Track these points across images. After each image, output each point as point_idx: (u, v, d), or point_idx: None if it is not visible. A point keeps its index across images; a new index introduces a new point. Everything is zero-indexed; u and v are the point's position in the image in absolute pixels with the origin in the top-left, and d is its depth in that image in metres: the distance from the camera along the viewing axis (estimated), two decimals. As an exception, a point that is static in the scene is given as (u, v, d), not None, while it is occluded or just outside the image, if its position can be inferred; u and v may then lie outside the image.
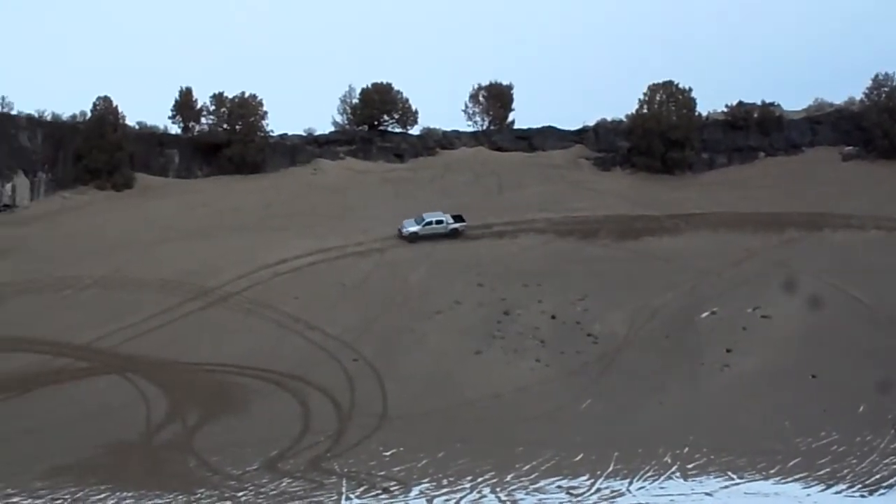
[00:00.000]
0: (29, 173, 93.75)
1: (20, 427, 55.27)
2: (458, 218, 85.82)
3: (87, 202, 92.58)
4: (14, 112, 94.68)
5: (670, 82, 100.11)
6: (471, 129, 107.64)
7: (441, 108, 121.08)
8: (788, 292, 73.50)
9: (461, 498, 49.76)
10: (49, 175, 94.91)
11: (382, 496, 50.08)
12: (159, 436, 54.79)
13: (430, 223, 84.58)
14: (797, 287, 73.98)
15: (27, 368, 64.33)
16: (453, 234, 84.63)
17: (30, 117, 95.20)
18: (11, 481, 42.06)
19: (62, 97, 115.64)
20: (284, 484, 50.31)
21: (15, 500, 37.27)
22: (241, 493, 39.57)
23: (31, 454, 49.76)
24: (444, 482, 52.29)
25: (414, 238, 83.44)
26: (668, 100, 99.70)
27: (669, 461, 55.64)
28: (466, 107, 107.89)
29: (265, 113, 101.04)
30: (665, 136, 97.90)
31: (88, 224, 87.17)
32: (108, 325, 69.53)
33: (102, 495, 37.30)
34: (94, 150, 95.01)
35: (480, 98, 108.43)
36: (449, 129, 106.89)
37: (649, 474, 54.05)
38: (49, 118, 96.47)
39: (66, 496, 37.42)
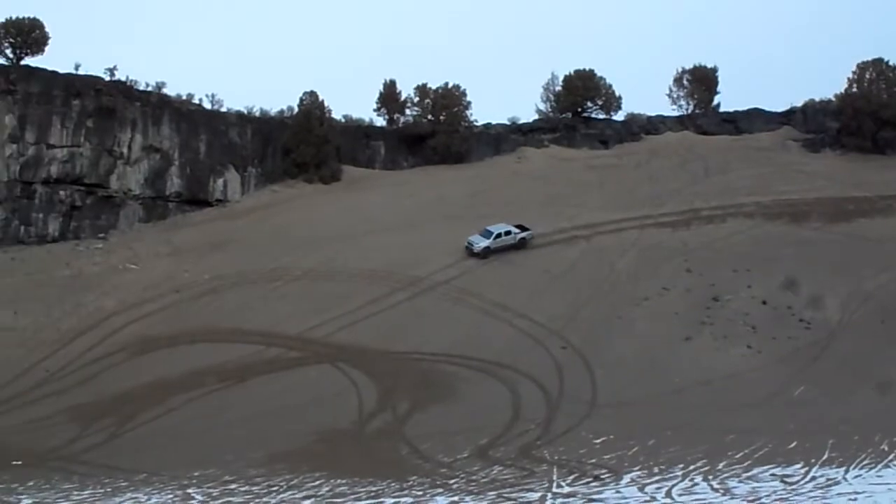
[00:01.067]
0: (239, 168, 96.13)
1: (237, 415, 56.67)
2: (522, 228, 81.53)
3: (296, 195, 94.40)
4: (224, 109, 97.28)
5: (880, 60, 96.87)
6: (675, 114, 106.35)
7: (645, 93, 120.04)
8: None
9: (673, 486, 48.84)
10: (259, 169, 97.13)
11: (593, 484, 49.51)
12: (371, 424, 55.43)
13: (499, 235, 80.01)
14: None
15: (242, 359, 65.96)
16: (521, 245, 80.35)
17: (239, 114, 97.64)
18: (229, 468, 43.07)
19: (269, 94, 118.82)
20: (495, 472, 50.26)
21: (232, 486, 38.14)
22: (452, 481, 39.68)
23: (247, 442, 50.94)
24: (656, 470, 51.42)
25: (486, 253, 79.09)
26: (878, 78, 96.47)
27: (887, 449, 53.59)
28: (671, 91, 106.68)
29: (468, 103, 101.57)
30: (876, 115, 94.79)
31: (297, 217, 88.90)
32: (318, 316, 70.78)
33: (317, 482, 37.87)
34: (301, 145, 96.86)
35: (685, 81, 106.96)
36: (653, 113, 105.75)
37: (866, 462, 52.13)
38: (258, 114, 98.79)
39: (282, 483, 38.13)
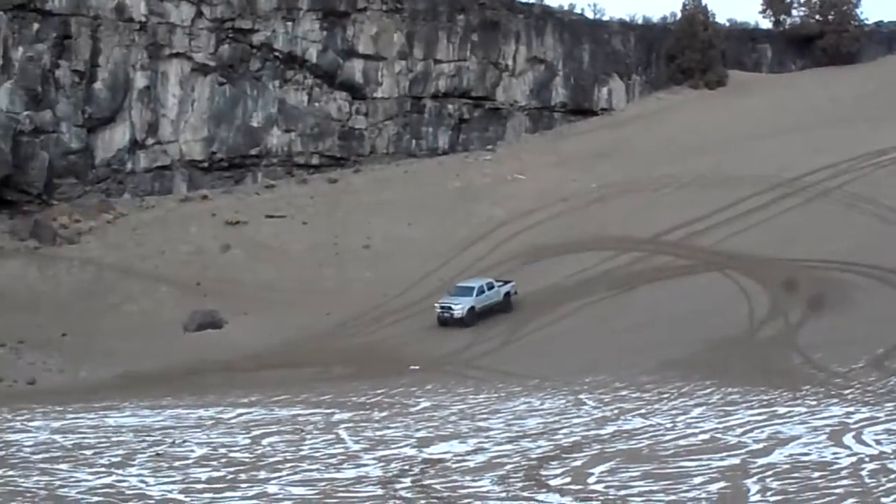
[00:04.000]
0: (623, 77, 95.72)
1: (627, 323, 56.76)
2: (502, 281, 65.47)
3: (681, 102, 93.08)
4: (606, 18, 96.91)
5: None
6: None
7: None
8: None
9: None
10: (642, 77, 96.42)
11: None
12: (762, 332, 54.22)
13: (482, 291, 63.18)
14: None
15: (630, 266, 65.96)
16: (506, 305, 63.63)
17: (622, 22, 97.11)
18: (620, 375, 43.20)
19: (651, 1, 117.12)
20: (892, 382, 48.18)
21: (623, 393, 38.27)
22: (847, 391, 38.22)
23: (636, 349, 50.95)
24: None
25: (473, 319, 61.75)
26: None
27: None
28: None
29: (858, 1, 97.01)
30: None
31: (683, 123, 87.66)
32: (705, 223, 69.70)
33: (708, 390, 37.43)
34: (685, 50, 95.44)
35: None
36: None
37: None
38: (640, 22, 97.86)
39: (672, 390, 37.90)
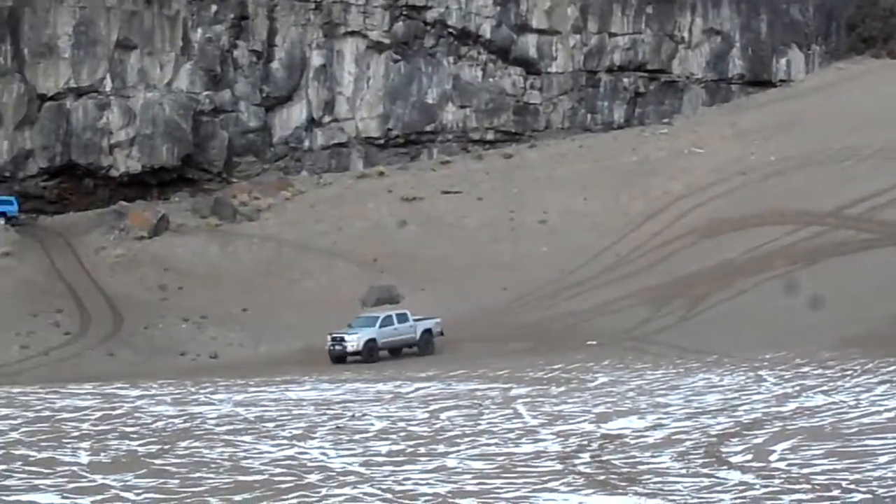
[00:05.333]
0: (802, 47, 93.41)
1: (807, 299, 55.53)
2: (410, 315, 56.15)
3: (862, 72, 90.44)
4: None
5: None
6: None
7: None
8: None
9: None
10: (822, 47, 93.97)
11: None
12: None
13: (388, 321, 54.63)
14: None
15: (811, 240, 64.43)
16: (426, 347, 55.22)
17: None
18: (800, 351, 42.33)
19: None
20: None
21: (804, 369, 37.45)
22: None
23: (817, 325, 49.82)
24: None
25: (371, 354, 53.27)
26: None
27: None
28: None
29: None
30: None
31: (864, 94, 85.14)
32: (888, 196, 67.58)
33: (892, 367, 36.36)
34: (866, 19, 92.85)
35: None
36: None
37: None
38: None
39: (856, 367, 36.92)
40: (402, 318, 55.15)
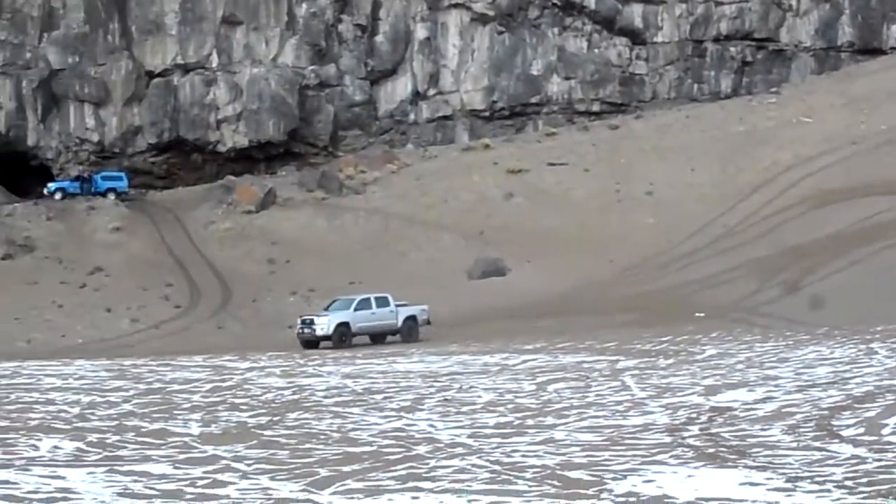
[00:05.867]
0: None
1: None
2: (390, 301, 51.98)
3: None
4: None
5: None
6: None
7: None
8: None
9: None
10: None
11: None
12: None
13: (363, 305, 50.94)
14: None
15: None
16: (408, 334, 51.38)
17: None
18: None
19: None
20: None
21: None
22: None
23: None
24: None
25: (342, 340, 49.60)
26: None
27: None
28: None
29: None
30: None
31: None
32: None
33: None
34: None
35: None
36: None
37: None
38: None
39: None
40: (382, 302, 51.33)
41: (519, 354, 38.04)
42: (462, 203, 75.20)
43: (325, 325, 49.50)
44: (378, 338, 51.53)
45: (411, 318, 51.65)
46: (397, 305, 51.65)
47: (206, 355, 43.86)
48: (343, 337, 49.52)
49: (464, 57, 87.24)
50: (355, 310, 50.42)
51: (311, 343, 49.42)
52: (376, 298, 51.42)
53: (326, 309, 51.88)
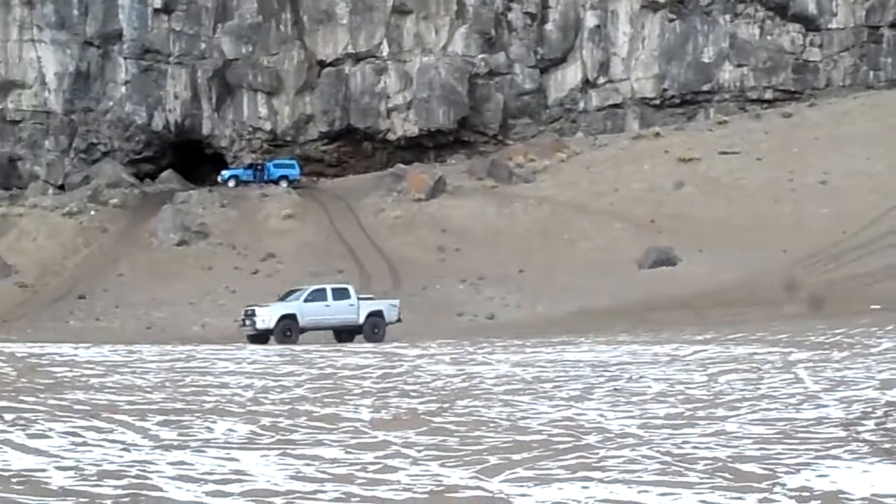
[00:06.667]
0: None
1: None
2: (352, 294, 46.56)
3: None
4: None
5: None
6: None
7: None
8: None
9: None
10: None
11: None
12: None
13: (315, 297, 45.56)
14: None
15: None
16: (371, 332, 45.51)
17: None
18: None
19: None
20: None
21: None
22: None
23: None
24: None
25: (286, 336, 43.86)
26: None
27: None
28: None
29: None
30: None
31: None
32: None
33: None
34: None
35: None
36: None
37: None
38: None
39: None
40: (341, 294, 45.95)
41: (689, 345, 37.56)
42: (632, 192, 74.64)
43: (266, 316, 44.06)
44: (344, 336, 45.95)
45: (376, 315, 45.81)
46: (360, 299, 46.46)
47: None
48: (287, 332, 43.86)
49: (634, 44, 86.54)
50: (306, 301, 45.14)
51: (258, 337, 43.95)
52: (334, 289, 46.22)
53: (283, 298, 46.84)
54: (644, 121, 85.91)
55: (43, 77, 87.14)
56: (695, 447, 17.44)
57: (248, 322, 44.68)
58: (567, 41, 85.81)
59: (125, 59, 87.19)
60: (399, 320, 47.14)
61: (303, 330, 44.79)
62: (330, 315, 45.27)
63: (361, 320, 45.51)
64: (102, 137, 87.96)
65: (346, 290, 46.45)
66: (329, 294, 45.61)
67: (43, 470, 13.54)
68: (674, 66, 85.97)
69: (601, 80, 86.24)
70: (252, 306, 45.52)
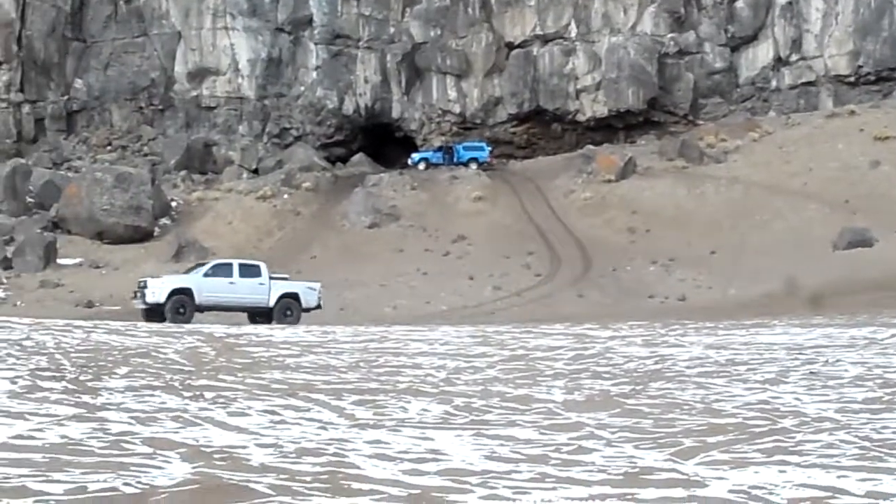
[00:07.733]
0: None
1: None
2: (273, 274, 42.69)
3: None
4: None
5: None
6: None
7: None
8: None
9: None
10: None
11: None
12: None
13: (224, 275, 41.38)
14: None
15: None
16: (283, 315, 41.31)
17: None
18: None
19: None
20: None
21: None
22: None
23: None
24: None
25: (178, 313, 39.79)
26: None
27: None
28: None
29: None
30: None
31: None
32: None
33: None
34: None
35: None
36: None
37: None
38: None
39: None
40: (250, 271, 41.97)
41: (887, 328, 36.61)
42: (826, 171, 72.90)
43: (157, 290, 40.19)
44: (257, 317, 42.03)
45: (289, 297, 41.88)
46: (272, 278, 42.37)
47: (567, 323, 44.38)
48: (181, 308, 40.02)
49: (827, 21, 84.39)
50: (205, 276, 41.30)
51: (152, 314, 40.22)
52: (242, 266, 42.40)
53: (188, 272, 43.32)
54: (838, 99, 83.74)
55: (236, 64, 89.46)
56: (895, 433, 17.06)
57: (138, 295, 40.98)
58: (758, 18, 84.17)
59: (316, 44, 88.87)
60: (319, 306, 42.98)
61: (199, 308, 41.09)
62: (233, 293, 41.30)
63: (272, 302, 41.62)
64: (294, 122, 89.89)
65: (256, 267, 42.60)
66: (235, 270, 41.85)
67: (244, 447, 13.97)
68: (869, 41, 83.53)
69: (794, 57, 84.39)
70: (144, 280, 42.26)
